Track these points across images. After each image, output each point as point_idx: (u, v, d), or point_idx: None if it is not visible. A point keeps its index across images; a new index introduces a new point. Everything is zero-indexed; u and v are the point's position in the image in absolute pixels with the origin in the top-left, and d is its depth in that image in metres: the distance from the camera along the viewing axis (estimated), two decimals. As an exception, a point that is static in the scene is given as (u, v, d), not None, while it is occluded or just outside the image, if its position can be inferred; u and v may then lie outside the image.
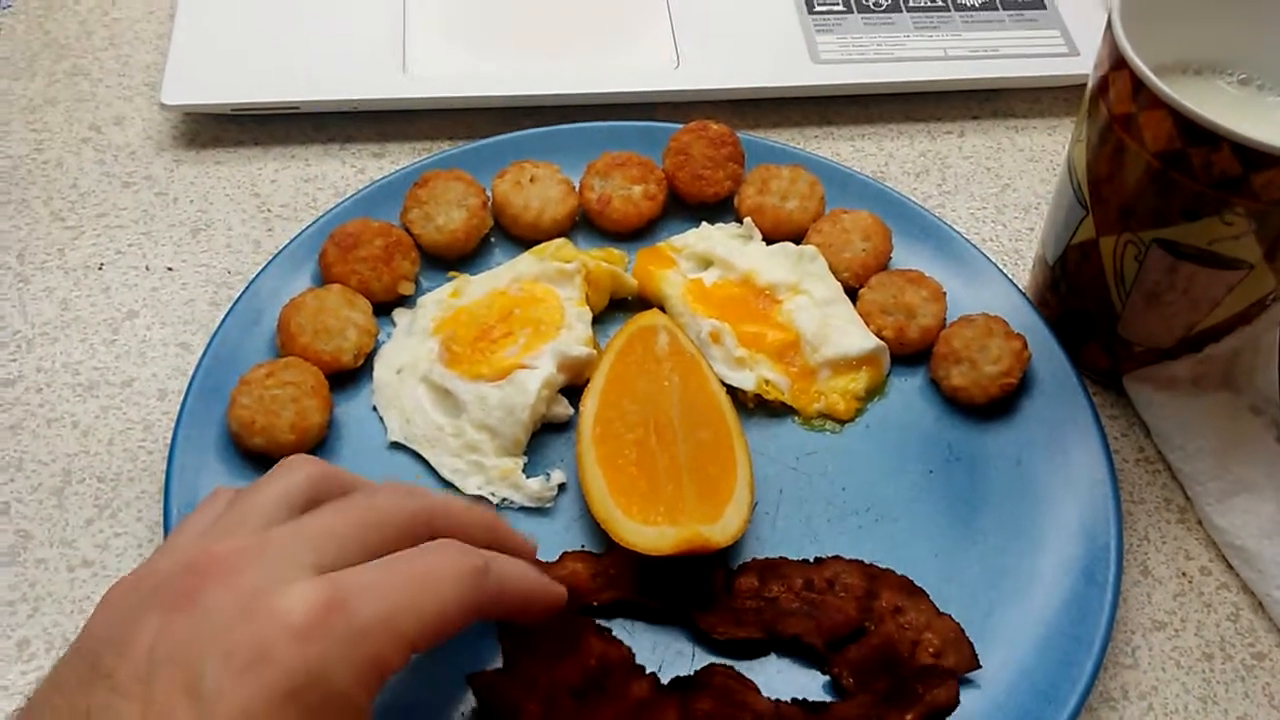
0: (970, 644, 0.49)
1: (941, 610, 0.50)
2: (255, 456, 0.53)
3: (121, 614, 0.36)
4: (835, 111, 0.74)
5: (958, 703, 0.47)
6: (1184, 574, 0.55)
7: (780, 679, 0.49)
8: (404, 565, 0.39)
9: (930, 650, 0.48)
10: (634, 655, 0.48)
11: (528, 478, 0.54)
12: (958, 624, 0.50)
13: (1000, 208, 0.70)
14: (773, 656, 0.50)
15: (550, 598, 0.45)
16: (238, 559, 0.37)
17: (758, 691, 0.47)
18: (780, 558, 0.52)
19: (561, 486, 0.55)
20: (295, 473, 0.42)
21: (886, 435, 0.57)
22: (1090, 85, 0.54)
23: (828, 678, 0.49)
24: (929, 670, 0.48)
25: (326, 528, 0.39)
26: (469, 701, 0.47)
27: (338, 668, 0.35)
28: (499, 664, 0.47)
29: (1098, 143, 0.54)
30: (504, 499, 0.54)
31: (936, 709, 0.46)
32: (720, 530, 0.50)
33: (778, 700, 0.47)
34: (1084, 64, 0.74)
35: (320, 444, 0.55)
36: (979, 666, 0.48)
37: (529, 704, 0.44)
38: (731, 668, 0.48)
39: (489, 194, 0.63)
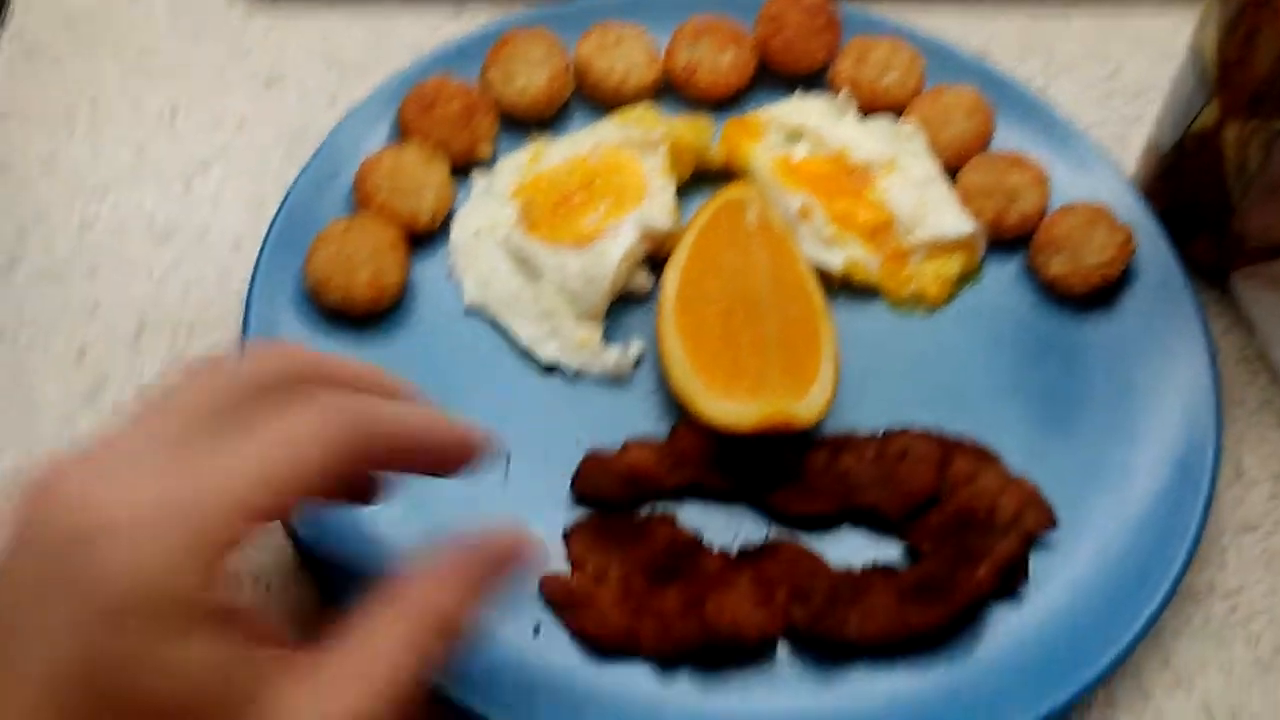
0: (1047, 503, 0.48)
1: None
2: (331, 312, 0.53)
3: None
4: (936, -15, 0.70)
5: (1026, 550, 0.46)
6: (1279, 477, 0.53)
7: (857, 551, 0.48)
8: (261, 430, 0.34)
9: (1008, 512, 0.48)
10: (701, 538, 0.47)
11: (606, 347, 0.53)
12: (1033, 485, 0.49)
13: (1108, 93, 0.66)
14: (846, 529, 0.49)
15: (460, 438, 0.39)
16: (70, 474, 0.32)
17: (825, 562, 0.47)
18: (850, 432, 0.51)
19: (639, 360, 0.53)
20: (257, 361, 0.37)
21: (978, 322, 0.55)
22: (1228, -44, 0.50)
23: (905, 547, 0.48)
24: (995, 527, 0.47)
25: (185, 398, 0.35)
26: (539, 610, 0.46)
27: (161, 568, 0.30)
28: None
29: (1230, 24, 0.50)
30: (580, 368, 0.53)
31: (1006, 560, 0.45)
32: (806, 408, 0.48)
33: (848, 568, 0.47)
34: (1207, -58, 0.69)
35: (397, 305, 0.54)
36: (1056, 525, 0.48)
37: (602, 592, 0.44)
38: (797, 540, 0.48)
39: (571, 56, 0.61)
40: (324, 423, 0.34)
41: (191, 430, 0.34)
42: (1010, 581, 0.46)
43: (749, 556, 0.47)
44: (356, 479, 0.42)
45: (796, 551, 0.47)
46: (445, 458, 0.39)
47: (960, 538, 0.46)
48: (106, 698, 0.30)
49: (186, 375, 0.36)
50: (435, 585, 0.36)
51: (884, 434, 0.50)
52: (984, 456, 0.49)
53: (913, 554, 0.48)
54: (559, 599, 0.45)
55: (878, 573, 0.46)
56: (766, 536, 0.48)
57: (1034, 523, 0.47)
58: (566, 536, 0.47)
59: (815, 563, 0.46)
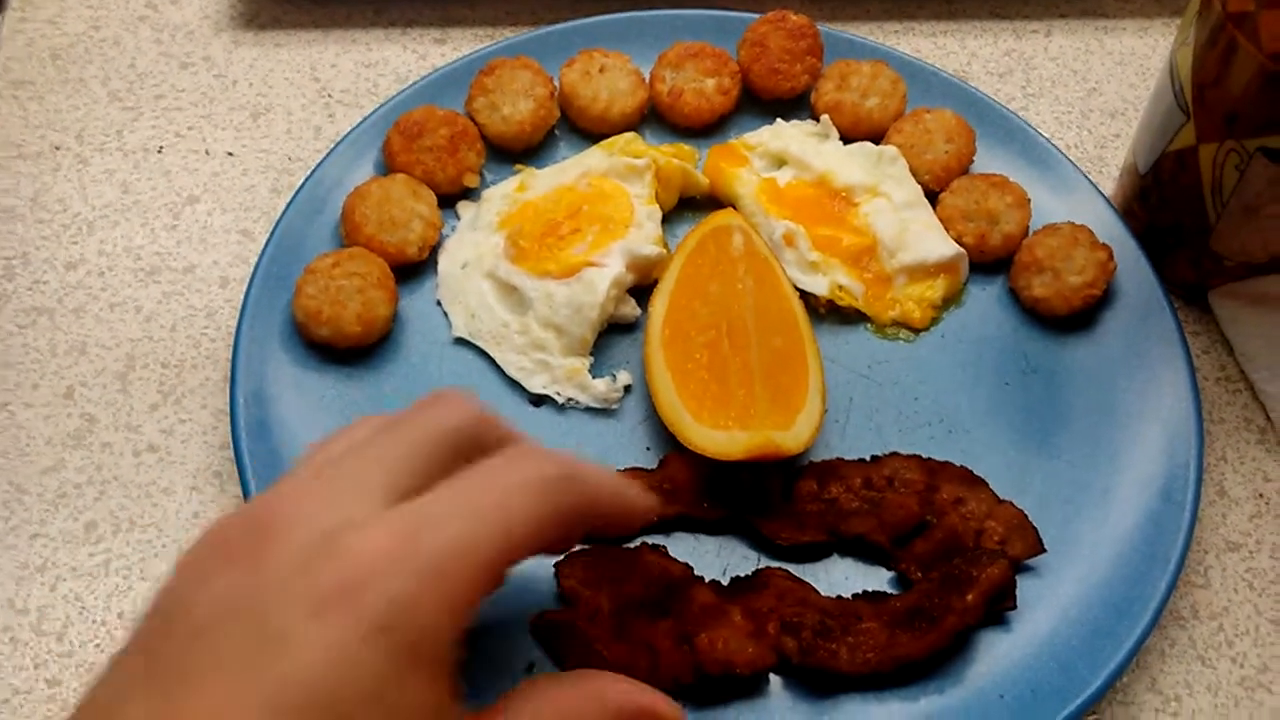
0: (1034, 529, 0.49)
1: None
2: (320, 346, 0.53)
3: (191, 573, 0.35)
4: (917, 6, 0.71)
5: (1012, 576, 0.46)
6: (1261, 495, 0.54)
7: (847, 579, 0.48)
8: (480, 480, 0.36)
9: (995, 538, 0.48)
10: (692, 569, 0.48)
11: (594, 378, 0.54)
12: (1020, 510, 0.49)
13: (1086, 112, 0.67)
14: (836, 558, 0.49)
15: (642, 504, 0.41)
16: (302, 502, 0.35)
17: (816, 592, 0.47)
18: (837, 459, 0.51)
19: (627, 388, 0.54)
20: (448, 413, 0.38)
21: (962, 345, 0.56)
22: (1202, -19, 0.51)
23: (894, 574, 0.49)
24: (981, 553, 0.47)
25: (386, 450, 0.37)
26: (532, 649, 0.46)
27: (419, 605, 0.32)
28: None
29: (1207, 43, 0.51)
30: (569, 399, 0.53)
31: (993, 586, 0.46)
32: (792, 437, 0.49)
33: (839, 596, 0.47)
34: (1183, -40, 0.70)
35: (385, 337, 0.54)
36: (1044, 550, 0.48)
37: (595, 630, 0.44)
38: (786, 570, 0.48)
39: (556, 84, 0.61)
40: (543, 481, 0.36)
41: (399, 479, 0.36)
42: (998, 608, 0.46)
43: (739, 588, 0.47)
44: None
45: (786, 583, 0.47)
46: (629, 520, 0.41)
47: (948, 565, 0.47)
48: (334, 713, 0.31)
49: (369, 426, 0.38)
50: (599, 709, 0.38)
51: (871, 460, 0.51)
52: (971, 482, 0.50)
53: (902, 580, 0.48)
54: (551, 638, 0.45)
55: (867, 601, 0.47)
56: (757, 564, 0.49)
57: (1021, 548, 0.48)
58: (557, 569, 0.47)
59: (806, 593, 0.47)
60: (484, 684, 0.44)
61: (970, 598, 0.45)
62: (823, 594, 0.47)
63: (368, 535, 0.33)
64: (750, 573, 0.48)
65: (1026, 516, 0.49)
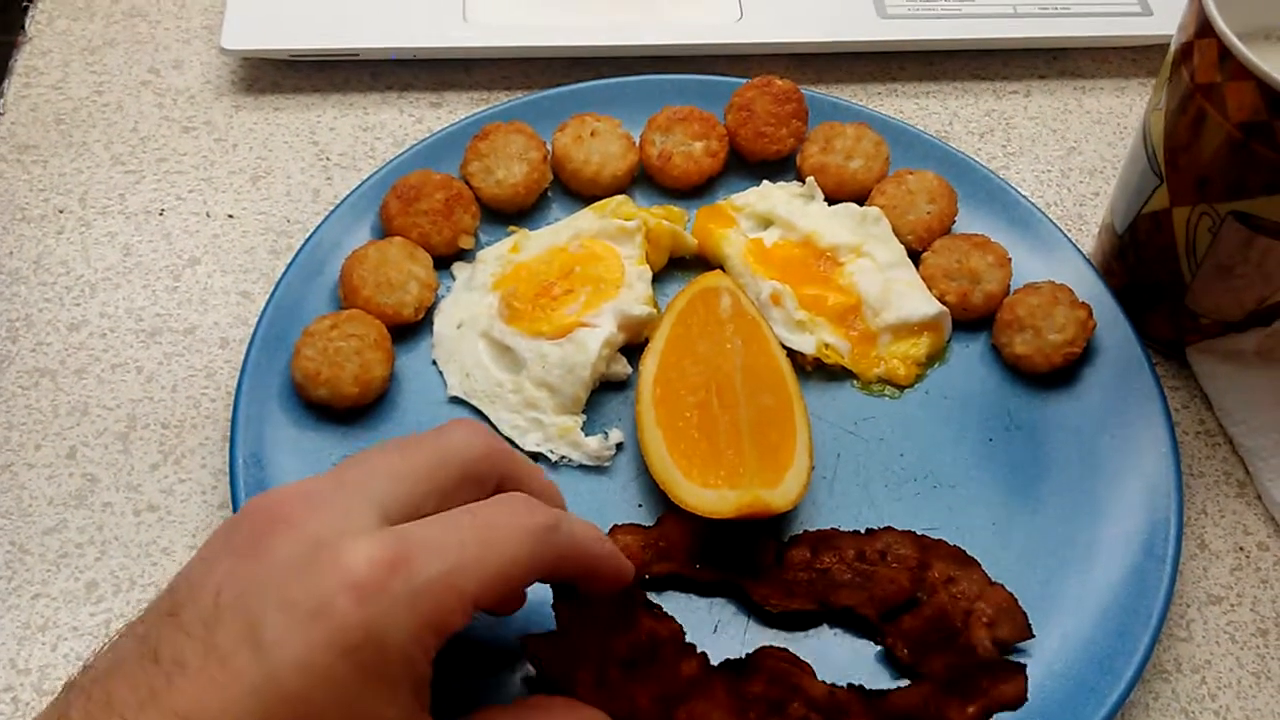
0: (1024, 613, 0.49)
1: (996, 579, 0.50)
2: (318, 406, 0.54)
3: (203, 557, 0.37)
4: (899, 67, 0.73)
5: (1025, 699, 0.47)
6: (1241, 549, 0.55)
7: (833, 651, 0.49)
8: (470, 518, 0.38)
9: (984, 620, 0.49)
10: (684, 633, 0.47)
11: (586, 436, 0.55)
12: (1010, 594, 0.50)
13: (1065, 171, 0.69)
14: (825, 628, 0.50)
15: (619, 568, 0.44)
16: (304, 506, 0.37)
17: (813, 675, 0.47)
18: (832, 529, 0.52)
19: (619, 446, 0.55)
20: (459, 441, 0.41)
21: (946, 402, 0.57)
22: (1172, 51, 0.53)
23: (880, 649, 0.49)
24: (998, 663, 0.47)
25: (396, 467, 0.39)
26: (521, 666, 0.48)
27: (397, 627, 0.35)
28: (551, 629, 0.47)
29: (1177, 110, 0.52)
30: (562, 457, 0.54)
31: (1002, 704, 0.46)
32: (780, 495, 0.50)
33: (833, 686, 0.47)
34: (1156, 24, 0.72)
35: (382, 397, 0.55)
36: (1032, 636, 0.49)
37: (581, 672, 0.45)
38: (786, 650, 0.48)
39: (549, 148, 0.63)
40: (531, 530, 0.39)
41: (399, 497, 0.38)
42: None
43: (732, 666, 0.47)
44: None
45: (782, 665, 0.47)
46: (609, 580, 0.44)
47: (944, 653, 0.47)
48: (303, 718, 0.34)
49: (400, 447, 0.41)
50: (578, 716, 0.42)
51: (865, 533, 0.51)
52: (963, 561, 0.50)
53: (891, 657, 0.49)
54: (543, 665, 0.45)
55: (859, 696, 0.46)
56: (746, 629, 0.49)
57: (1009, 631, 0.48)
58: (555, 599, 0.47)
59: (799, 678, 0.46)
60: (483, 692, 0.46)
61: (971, 710, 0.45)
62: (818, 677, 0.47)
63: (359, 550, 0.35)
64: (745, 654, 0.47)
65: (1016, 600, 0.49)
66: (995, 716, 0.47)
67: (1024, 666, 0.48)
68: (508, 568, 0.38)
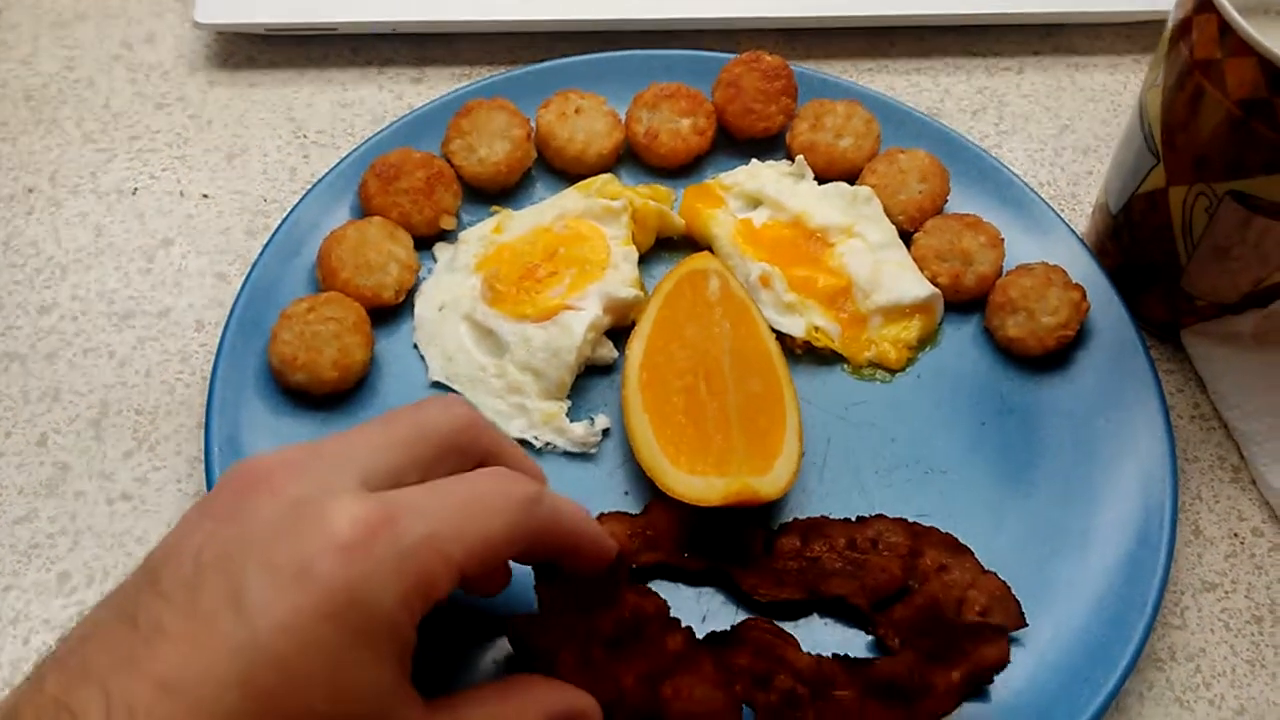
0: (1016, 601, 0.48)
1: (989, 566, 0.49)
2: (296, 392, 0.53)
3: (181, 525, 0.36)
4: (890, 43, 0.72)
5: (1008, 661, 0.46)
6: (1236, 535, 0.54)
7: (824, 640, 0.48)
8: (455, 486, 0.38)
9: (976, 608, 0.48)
10: (669, 608, 0.47)
11: (572, 421, 0.53)
12: (1003, 582, 0.49)
13: (1059, 149, 0.68)
14: (815, 617, 0.49)
15: (603, 546, 0.43)
16: (285, 470, 0.36)
17: (797, 646, 0.46)
18: (822, 517, 0.51)
19: (605, 432, 0.54)
20: (438, 415, 0.40)
21: (938, 385, 0.56)
22: (1170, 26, 0.52)
23: (872, 638, 0.48)
24: (979, 627, 0.47)
25: (375, 439, 0.39)
26: (504, 646, 0.47)
27: (381, 589, 0.34)
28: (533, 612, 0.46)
29: (1174, 88, 0.51)
30: (546, 443, 0.53)
31: (984, 667, 0.46)
32: (770, 483, 0.49)
33: (819, 656, 0.46)
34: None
35: (362, 381, 0.54)
36: (1025, 624, 0.48)
37: (564, 652, 0.44)
38: (770, 621, 0.47)
39: (533, 125, 0.61)
40: (516, 499, 0.38)
41: (379, 467, 0.37)
42: (979, 682, 0.46)
43: (716, 639, 0.46)
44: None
45: (766, 637, 0.46)
46: (592, 559, 0.43)
47: (932, 636, 0.46)
48: (286, 682, 0.33)
49: (381, 421, 0.40)
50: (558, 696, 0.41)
51: (856, 521, 0.50)
52: (955, 549, 0.49)
53: (882, 646, 0.48)
54: (526, 645, 0.45)
55: (845, 666, 0.46)
56: (734, 618, 0.48)
57: (1002, 619, 0.47)
58: (538, 579, 0.47)
59: (784, 650, 0.46)
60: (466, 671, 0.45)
61: (955, 675, 0.45)
62: (803, 649, 0.46)
63: (343, 511, 0.35)
64: (729, 626, 0.47)
65: (1009, 588, 0.48)
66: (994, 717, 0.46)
67: (1005, 629, 0.47)
68: (493, 535, 0.37)
